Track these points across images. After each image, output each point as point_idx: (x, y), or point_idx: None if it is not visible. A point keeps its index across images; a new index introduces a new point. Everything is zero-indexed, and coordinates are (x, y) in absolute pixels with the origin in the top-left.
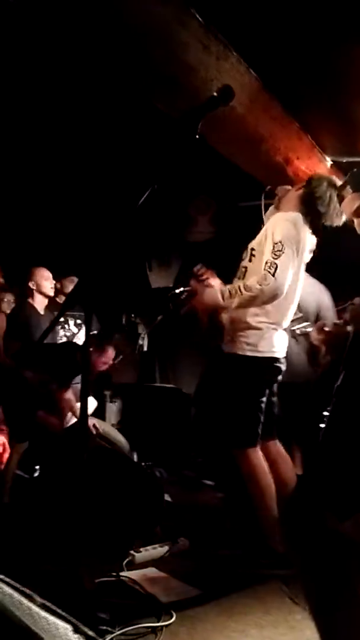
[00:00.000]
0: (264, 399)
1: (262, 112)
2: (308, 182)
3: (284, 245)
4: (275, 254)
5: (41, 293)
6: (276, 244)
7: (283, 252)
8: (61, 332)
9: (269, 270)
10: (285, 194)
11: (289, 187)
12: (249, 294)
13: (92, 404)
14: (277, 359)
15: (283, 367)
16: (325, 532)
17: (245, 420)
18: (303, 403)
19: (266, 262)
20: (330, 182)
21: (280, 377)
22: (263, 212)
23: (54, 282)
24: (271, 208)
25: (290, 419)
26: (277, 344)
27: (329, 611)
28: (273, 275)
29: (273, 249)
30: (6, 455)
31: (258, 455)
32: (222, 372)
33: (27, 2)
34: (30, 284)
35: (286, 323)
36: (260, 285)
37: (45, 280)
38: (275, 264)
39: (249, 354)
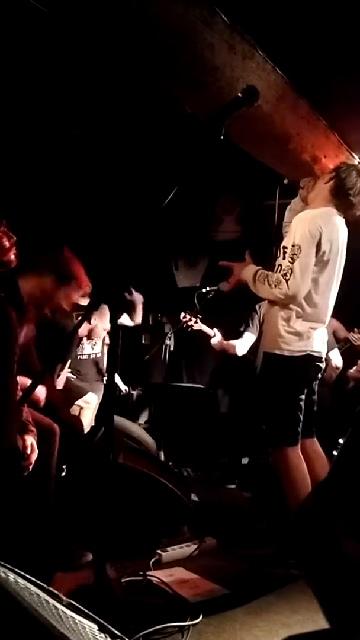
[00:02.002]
0: (303, 397)
1: (289, 111)
2: (336, 174)
3: (301, 247)
4: (291, 258)
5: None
6: (293, 246)
7: (298, 256)
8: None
9: (284, 275)
10: (310, 186)
11: (313, 179)
12: (270, 290)
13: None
14: (315, 357)
15: (322, 365)
16: (334, 546)
17: (284, 419)
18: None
19: (284, 268)
20: (359, 170)
21: (319, 376)
22: (276, 207)
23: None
24: (296, 200)
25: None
26: (315, 343)
27: (340, 621)
28: (287, 282)
29: (290, 252)
30: (34, 456)
31: (298, 455)
32: (262, 372)
33: (55, 6)
34: None
35: (327, 320)
36: (276, 287)
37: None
38: (291, 269)
39: (286, 353)
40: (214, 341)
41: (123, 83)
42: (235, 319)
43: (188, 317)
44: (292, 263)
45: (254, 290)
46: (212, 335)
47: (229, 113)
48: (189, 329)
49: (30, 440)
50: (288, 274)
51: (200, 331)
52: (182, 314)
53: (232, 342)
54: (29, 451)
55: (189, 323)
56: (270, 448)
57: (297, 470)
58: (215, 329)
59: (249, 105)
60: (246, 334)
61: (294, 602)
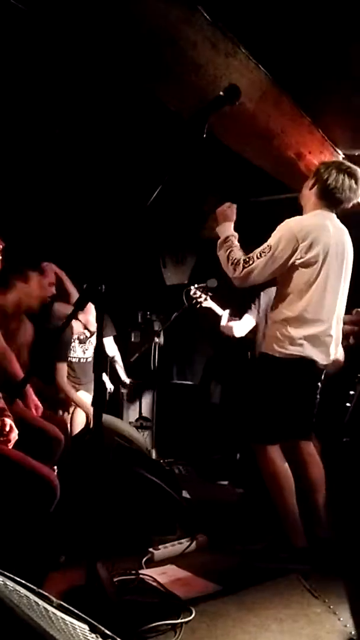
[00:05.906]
0: (292, 399)
1: (273, 108)
2: (318, 177)
3: (272, 252)
4: (259, 254)
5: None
6: (267, 246)
7: (266, 255)
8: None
9: (244, 262)
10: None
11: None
12: (226, 263)
13: (87, 398)
14: (309, 362)
15: (317, 369)
16: None
17: (267, 418)
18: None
19: (250, 256)
20: (339, 167)
21: (319, 382)
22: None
23: None
24: None
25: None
26: (312, 350)
27: None
28: (243, 269)
29: (261, 249)
30: (13, 434)
31: (277, 453)
32: (254, 369)
33: (36, 4)
34: None
35: (328, 320)
36: (231, 266)
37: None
38: (253, 259)
39: (277, 355)
40: (221, 323)
41: (106, 81)
42: (241, 303)
43: (198, 293)
44: (258, 258)
45: (217, 251)
46: (220, 315)
47: (211, 112)
48: (198, 306)
49: (9, 421)
50: (248, 264)
51: (209, 309)
52: (192, 290)
53: (229, 323)
54: (7, 429)
55: (199, 300)
56: (251, 444)
57: (276, 465)
58: (226, 310)
59: (230, 104)
60: (245, 316)
61: (286, 596)
